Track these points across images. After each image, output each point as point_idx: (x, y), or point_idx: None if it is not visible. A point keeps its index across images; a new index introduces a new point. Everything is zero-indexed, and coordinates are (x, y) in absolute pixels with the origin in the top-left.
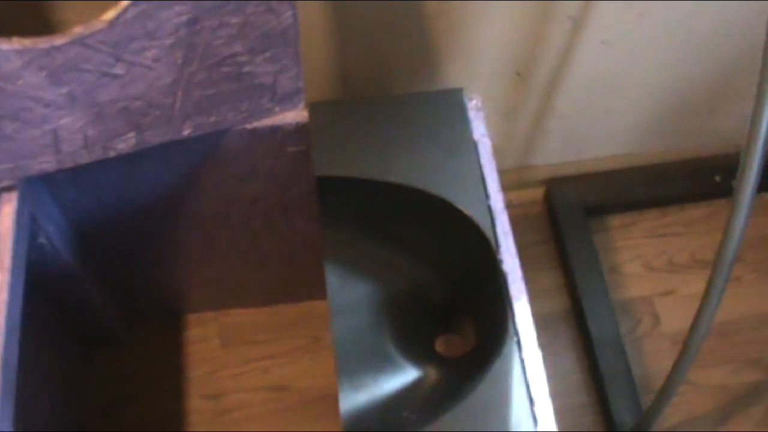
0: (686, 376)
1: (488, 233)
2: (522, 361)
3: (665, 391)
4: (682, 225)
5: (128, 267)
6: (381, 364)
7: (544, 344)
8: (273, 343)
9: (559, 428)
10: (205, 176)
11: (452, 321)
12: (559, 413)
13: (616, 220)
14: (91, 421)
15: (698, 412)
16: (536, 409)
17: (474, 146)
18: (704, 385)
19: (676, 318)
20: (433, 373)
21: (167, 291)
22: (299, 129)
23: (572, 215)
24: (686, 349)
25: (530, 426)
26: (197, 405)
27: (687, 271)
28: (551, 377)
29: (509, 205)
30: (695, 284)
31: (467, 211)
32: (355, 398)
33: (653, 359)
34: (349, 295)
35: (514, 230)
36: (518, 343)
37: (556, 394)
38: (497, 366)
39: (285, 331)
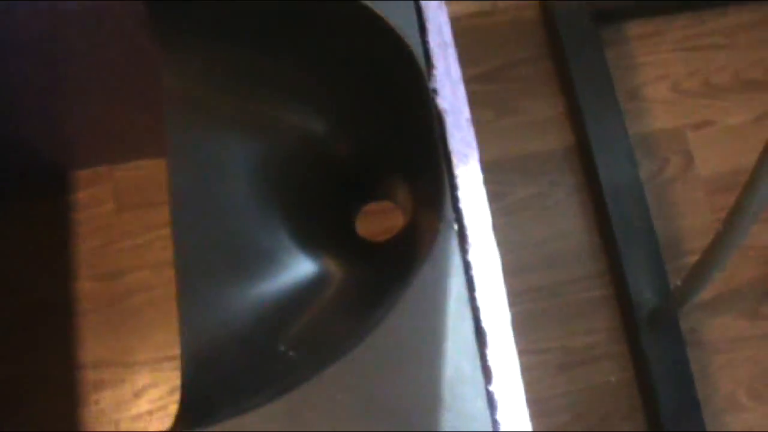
0: (742, 243)
1: (415, 49)
2: (465, 251)
3: (706, 264)
4: (723, 34)
5: None
6: (258, 265)
7: (538, 194)
8: None
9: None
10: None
11: (378, 190)
12: (557, 285)
13: (635, 29)
14: None
15: (740, 282)
16: (484, 322)
17: None
18: (751, 246)
19: (714, 157)
20: (339, 271)
21: (48, 144)
22: None
23: (577, 22)
24: (744, 200)
25: (471, 359)
26: (89, 288)
27: (728, 96)
28: (545, 240)
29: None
30: (739, 113)
31: (384, 17)
32: (203, 318)
33: (684, 212)
34: (204, 168)
35: (499, 42)
36: (458, 221)
37: (551, 262)
38: (425, 262)
39: None
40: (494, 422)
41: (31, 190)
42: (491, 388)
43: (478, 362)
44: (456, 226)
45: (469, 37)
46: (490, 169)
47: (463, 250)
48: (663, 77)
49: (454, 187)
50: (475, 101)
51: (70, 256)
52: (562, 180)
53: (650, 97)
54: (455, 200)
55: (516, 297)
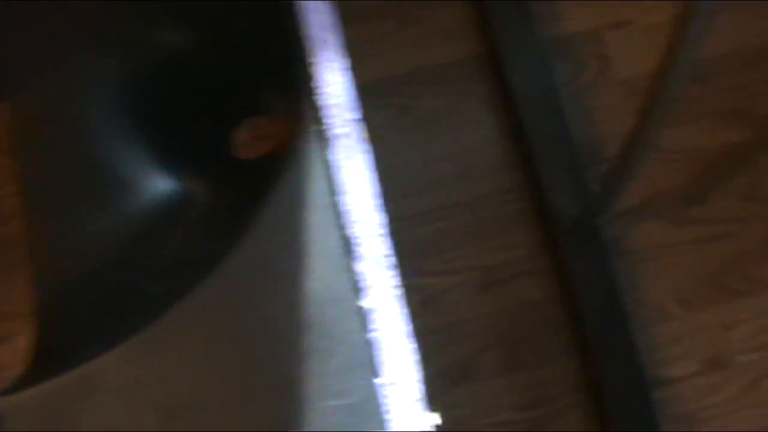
0: (658, 136)
1: None
2: (327, 151)
3: (625, 164)
4: None
5: None
6: (115, 194)
7: (447, 106)
8: None
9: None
10: None
11: (253, 105)
12: (472, 200)
13: None
14: None
15: (664, 187)
16: (352, 230)
17: None
18: (672, 150)
19: (632, 58)
20: (208, 194)
21: None
22: None
23: None
24: (655, 99)
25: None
26: None
27: None
28: (457, 153)
29: None
30: (658, 11)
31: None
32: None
33: (603, 117)
34: (51, 98)
35: None
36: (320, 118)
37: (464, 176)
38: (286, 171)
39: None
40: (368, 342)
41: None
42: (363, 304)
43: (347, 276)
44: (319, 125)
45: None
46: (394, 83)
47: (326, 150)
48: None
49: (310, 78)
50: (374, 12)
51: None
52: (473, 89)
53: None
54: (314, 93)
55: (429, 215)
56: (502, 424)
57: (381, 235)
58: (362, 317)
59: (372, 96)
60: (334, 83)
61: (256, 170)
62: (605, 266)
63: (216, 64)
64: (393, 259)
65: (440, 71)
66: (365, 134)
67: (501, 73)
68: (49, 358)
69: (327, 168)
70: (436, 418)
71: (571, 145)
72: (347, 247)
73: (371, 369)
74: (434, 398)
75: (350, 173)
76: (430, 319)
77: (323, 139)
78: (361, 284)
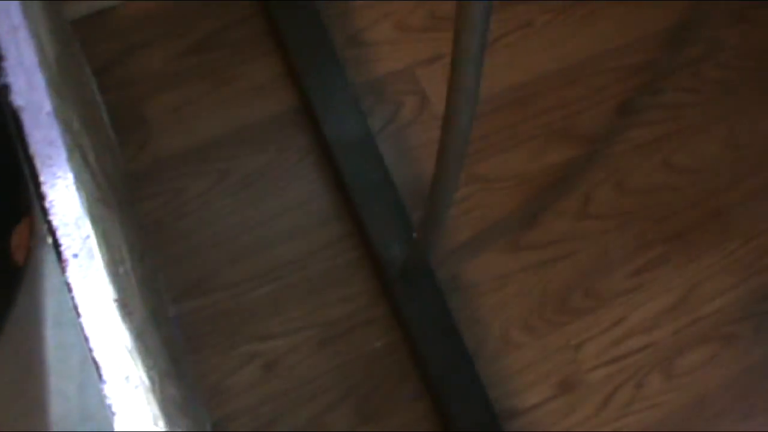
0: (459, 176)
1: None
2: (63, 270)
3: (436, 201)
4: None
5: None
6: None
7: (267, 164)
8: None
9: None
10: None
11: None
12: (304, 256)
13: None
14: None
15: (496, 217)
16: (96, 351)
17: None
18: (498, 178)
19: None
20: None
21: None
22: None
23: None
24: (446, 140)
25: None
26: None
27: None
28: (283, 210)
29: None
30: None
31: None
32: None
33: (425, 155)
34: None
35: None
36: (52, 235)
37: (293, 233)
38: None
39: None
40: None
41: None
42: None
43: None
44: (50, 241)
45: (169, 9)
46: (211, 148)
47: (62, 270)
48: (385, 16)
49: (41, 197)
50: (188, 75)
51: None
52: (291, 144)
53: (374, 41)
54: (45, 212)
55: (261, 277)
56: None
57: (125, 355)
58: None
59: (189, 164)
60: (63, 201)
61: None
62: (442, 306)
63: None
64: (139, 378)
65: (257, 129)
66: (91, 234)
67: (316, 124)
68: None
69: (66, 289)
70: None
71: (393, 189)
72: (97, 371)
73: None
74: None
75: (86, 293)
76: (275, 382)
77: (60, 259)
78: (111, 409)
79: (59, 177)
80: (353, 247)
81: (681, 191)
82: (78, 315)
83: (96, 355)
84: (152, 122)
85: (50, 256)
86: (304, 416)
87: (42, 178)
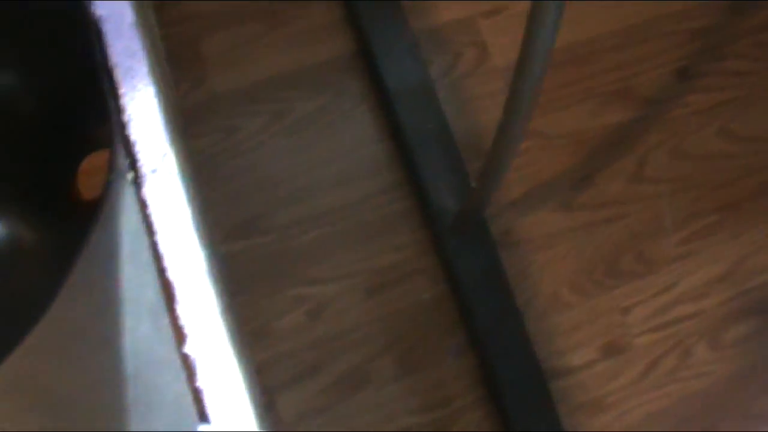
0: (526, 127)
1: None
2: (140, 192)
3: (497, 154)
4: None
5: None
6: None
7: (321, 108)
8: None
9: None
10: None
11: (91, 139)
12: (354, 203)
13: None
14: None
15: (550, 174)
16: (173, 277)
17: None
18: (555, 135)
19: (509, 44)
20: (40, 244)
21: None
22: None
23: None
24: (517, 90)
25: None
26: None
27: None
28: (335, 156)
29: None
30: None
31: None
32: None
33: (483, 107)
34: None
35: None
36: (131, 157)
37: (344, 179)
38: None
39: None
40: (195, 390)
41: None
42: (186, 351)
43: (167, 332)
44: (128, 165)
45: None
46: (266, 89)
47: (138, 187)
48: None
49: (120, 110)
50: (246, 14)
51: None
52: (347, 89)
53: None
54: (123, 126)
55: (311, 222)
56: (404, 429)
57: (202, 275)
58: (187, 365)
59: (243, 104)
60: (143, 115)
61: (84, 213)
62: (494, 260)
63: (30, 105)
64: (217, 299)
65: (312, 73)
66: (184, 166)
67: (375, 70)
68: None
69: (141, 207)
70: None
71: (451, 139)
72: (167, 292)
73: (199, 417)
74: (332, 408)
75: (165, 211)
76: (320, 328)
77: (136, 176)
78: (184, 330)
79: (140, 90)
80: (404, 196)
81: (737, 160)
82: (152, 233)
83: (170, 275)
84: (208, 60)
85: (128, 194)
86: (347, 364)
87: (122, 90)
